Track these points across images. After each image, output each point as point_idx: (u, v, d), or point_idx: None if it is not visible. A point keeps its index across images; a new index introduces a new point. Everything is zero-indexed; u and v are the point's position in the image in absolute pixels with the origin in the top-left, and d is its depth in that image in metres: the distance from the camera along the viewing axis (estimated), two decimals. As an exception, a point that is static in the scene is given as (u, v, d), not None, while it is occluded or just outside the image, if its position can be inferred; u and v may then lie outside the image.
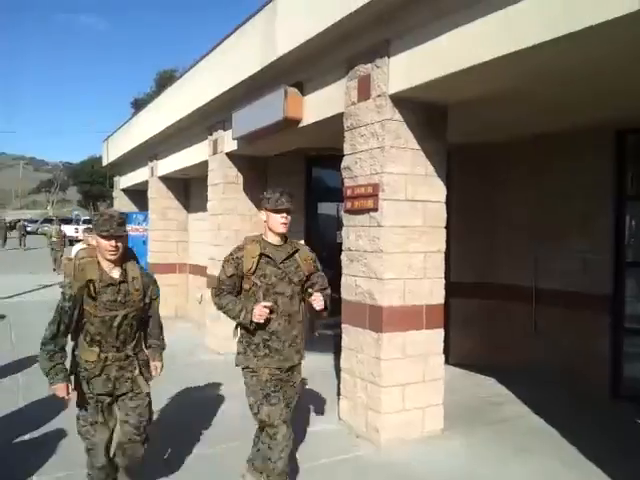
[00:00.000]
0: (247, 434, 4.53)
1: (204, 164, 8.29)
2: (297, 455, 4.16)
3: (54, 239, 18.40)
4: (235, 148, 7.26)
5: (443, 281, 4.77)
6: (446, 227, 4.81)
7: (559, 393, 5.73)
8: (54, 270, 16.86)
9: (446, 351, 5.16)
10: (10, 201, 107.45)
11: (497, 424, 4.93)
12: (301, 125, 5.67)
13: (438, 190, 4.70)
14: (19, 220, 37.36)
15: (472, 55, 3.56)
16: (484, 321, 7.00)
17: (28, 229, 35.01)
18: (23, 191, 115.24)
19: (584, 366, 5.80)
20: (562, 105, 5.10)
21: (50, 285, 14.27)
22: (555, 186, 6.33)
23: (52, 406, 5.02)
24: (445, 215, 4.77)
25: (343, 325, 4.89)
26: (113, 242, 2.99)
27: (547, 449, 4.34)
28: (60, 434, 4.44)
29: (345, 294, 4.87)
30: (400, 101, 4.39)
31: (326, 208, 7.82)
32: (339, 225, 4.99)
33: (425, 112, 4.53)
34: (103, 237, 3.01)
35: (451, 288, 6.45)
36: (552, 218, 6.37)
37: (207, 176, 8.14)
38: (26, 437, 4.41)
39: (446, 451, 4.32)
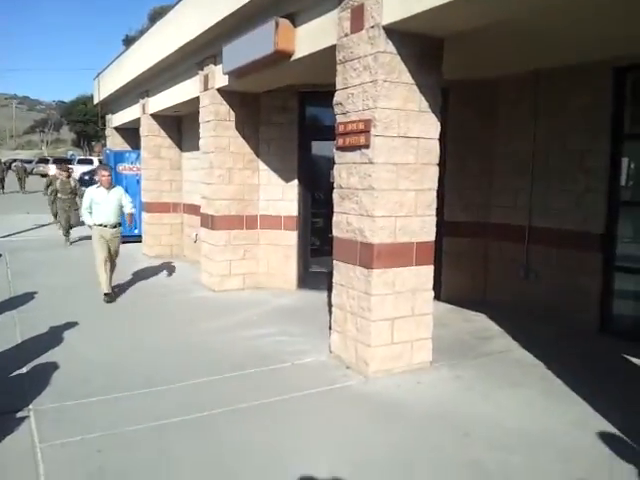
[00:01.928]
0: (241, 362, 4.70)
1: (195, 101, 8.12)
2: (288, 384, 4.32)
3: (62, 195, 11.61)
4: (226, 84, 7.08)
5: (434, 219, 4.77)
6: (439, 164, 4.77)
7: (548, 329, 5.88)
8: (65, 237, 11.59)
9: (437, 288, 5.27)
10: (5, 142, 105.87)
11: (485, 357, 5.08)
12: (293, 58, 5.51)
13: (432, 126, 4.62)
14: (14, 160, 35.96)
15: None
16: (476, 259, 7.08)
17: (26, 167, 32.19)
18: (17, 131, 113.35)
19: (574, 303, 5.92)
20: (562, 41, 4.95)
21: (47, 224, 14.29)
22: (552, 124, 6.24)
23: (47, 342, 5.21)
24: (438, 152, 4.71)
25: (334, 262, 4.94)
26: None
27: (532, 381, 4.49)
28: (54, 368, 4.57)
29: (336, 232, 4.89)
30: (394, 33, 4.25)
31: (321, 147, 7.71)
32: (333, 164, 4.94)
33: (420, 44, 4.40)
34: None
35: (444, 226, 6.51)
36: (548, 156, 6.32)
37: (199, 113, 7.99)
38: (23, 370, 4.54)
39: (433, 382, 4.47)
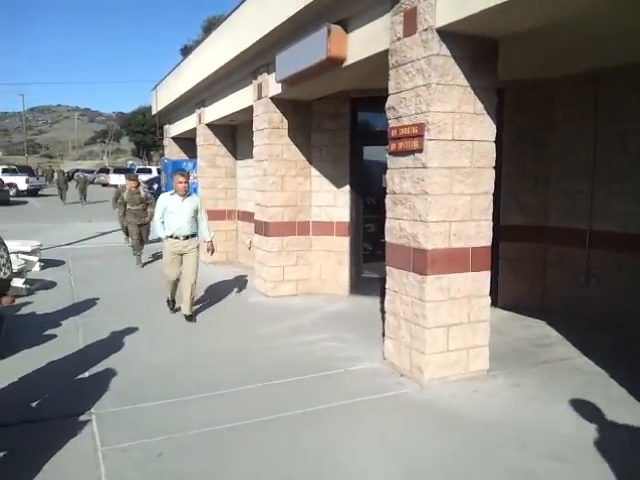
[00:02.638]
0: (295, 368, 4.74)
1: (249, 109, 8.27)
2: (342, 391, 4.31)
3: (132, 206, 10.34)
4: (279, 92, 7.18)
5: (490, 223, 4.66)
6: (495, 168, 4.66)
7: (610, 336, 5.62)
8: (136, 257, 10.36)
9: (494, 294, 5.13)
10: (67, 152, 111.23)
11: (544, 365, 4.91)
12: (345, 64, 5.53)
13: (487, 129, 4.52)
14: (76, 170, 36.93)
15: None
16: (534, 264, 6.86)
17: (87, 177, 31.31)
18: (79, 142, 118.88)
19: (638, 310, 5.63)
20: (620, 39, 4.73)
21: (109, 232, 14.83)
22: (612, 125, 5.99)
23: (109, 347, 5.38)
24: (494, 155, 4.60)
25: (387, 267, 4.90)
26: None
27: (595, 390, 4.29)
28: (115, 373, 4.71)
29: (389, 237, 4.85)
30: (447, 35, 4.19)
31: (372, 152, 7.69)
32: (385, 169, 4.91)
33: (474, 46, 4.32)
34: None
35: (501, 231, 6.34)
36: (608, 158, 6.07)
37: (253, 122, 8.13)
38: (85, 375, 4.69)
39: (490, 391, 4.35)
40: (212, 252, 6.62)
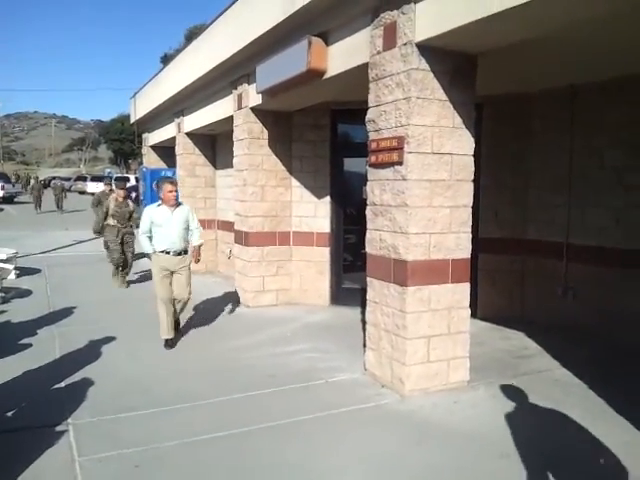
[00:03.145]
0: (275, 379, 4.71)
1: (230, 119, 8.26)
2: (322, 402, 4.30)
3: (116, 222, 8.83)
4: (260, 102, 7.18)
5: (470, 235, 4.71)
6: (474, 181, 4.72)
7: (589, 349, 5.70)
8: (119, 278, 9.14)
9: (474, 305, 5.18)
10: (44, 159, 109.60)
11: (523, 377, 4.95)
12: (326, 77, 5.56)
13: (466, 143, 4.59)
14: (53, 178, 36.17)
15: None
16: (513, 277, 6.95)
17: (64, 185, 30.06)
18: (56, 149, 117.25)
19: (615, 323, 5.73)
20: (599, 54, 4.85)
21: (86, 240, 14.62)
22: (589, 139, 6.13)
23: (86, 357, 5.30)
24: (472, 168, 4.67)
25: (368, 278, 4.91)
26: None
27: (574, 401, 4.34)
28: (92, 383, 4.65)
29: (370, 248, 4.88)
30: (427, 50, 4.25)
31: (353, 163, 7.74)
32: (366, 181, 4.94)
33: (453, 61, 4.39)
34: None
35: (480, 243, 6.42)
36: (585, 173, 6.19)
37: (233, 131, 8.11)
38: (62, 385, 4.62)
39: (470, 402, 4.37)
40: (197, 260, 6.00)
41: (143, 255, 6.74)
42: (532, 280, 6.85)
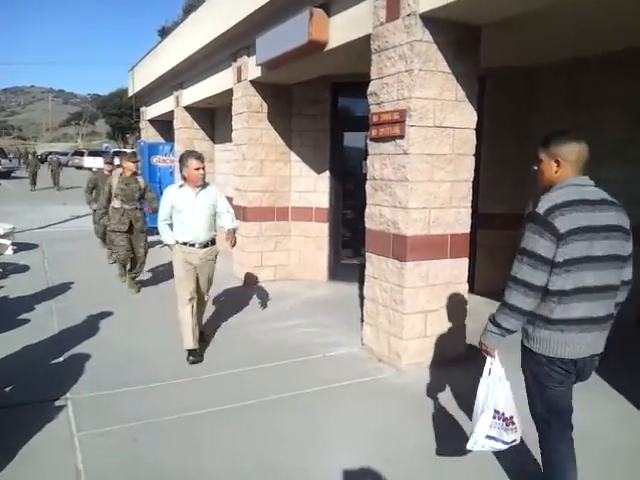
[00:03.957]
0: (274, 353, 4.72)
1: (229, 92, 8.16)
2: (321, 376, 4.32)
3: (124, 203, 6.90)
4: (259, 75, 7.08)
5: (469, 211, 4.69)
6: (475, 155, 4.68)
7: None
8: (127, 280, 7.27)
9: (471, 280, 5.18)
10: (41, 134, 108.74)
11: (518, 350, 4.96)
12: (327, 49, 5.47)
13: (468, 116, 4.54)
14: (50, 153, 35.54)
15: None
16: (511, 252, 6.91)
17: (61, 160, 29.17)
18: (53, 124, 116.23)
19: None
20: (602, 27, 4.76)
21: (83, 215, 14.55)
22: (593, 113, 6.06)
23: (84, 332, 5.30)
24: (474, 143, 4.63)
25: (367, 254, 4.90)
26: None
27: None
28: (90, 357, 4.66)
29: (369, 223, 4.86)
30: (431, 21, 4.17)
31: (353, 138, 7.67)
32: (366, 156, 4.90)
33: (457, 33, 4.31)
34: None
35: (479, 218, 6.39)
36: (589, 147, 6.13)
37: (232, 105, 8.02)
38: (60, 360, 4.62)
39: (466, 375, 4.39)
40: (233, 244, 5.04)
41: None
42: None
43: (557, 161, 2.42)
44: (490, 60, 5.07)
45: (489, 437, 2.42)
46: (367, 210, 4.89)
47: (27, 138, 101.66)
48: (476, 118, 4.59)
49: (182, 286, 4.68)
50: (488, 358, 2.53)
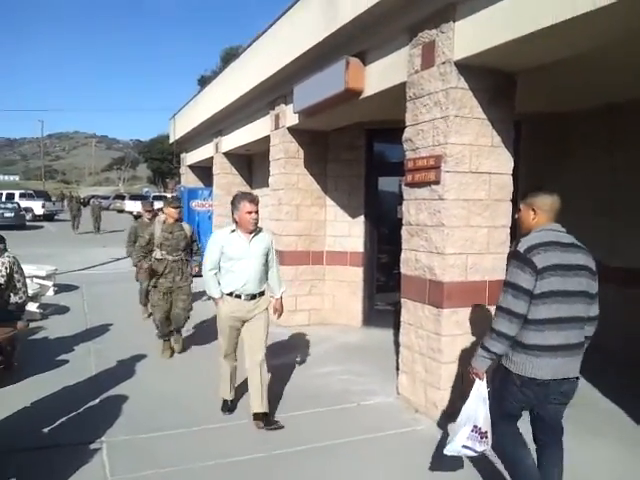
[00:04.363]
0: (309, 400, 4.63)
1: (266, 139, 8.36)
2: (359, 425, 4.22)
3: (168, 253, 5.98)
4: (296, 122, 7.25)
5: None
6: (513, 200, 4.62)
7: (631, 375, 5.44)
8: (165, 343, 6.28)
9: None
10: (84, 178, 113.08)
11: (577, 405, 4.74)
12: (362, 96, 5.57)
13: (504, 161, 4.50)
14: (92, 196, 36.34)
15: (544, 17, 3.33)
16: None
17: (102, 204, 29.40)
18: (96, 168, 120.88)
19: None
20: (638, 73, 4.72)
21: (122, 258, 14.84)
22: (629, 159, 5.95)
23: (121, 374, 5.32)
24: (511, 188, 4.57)
25: (402, 300, 4.83)
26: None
27: (615, 432, 4.15)
28: (126, 399, 4.66)
29: (405, 269, 4.80)
30: (466, 68, 4.21)
31: (387, 183, 7.71)
32: (400, 200, 4.89)
33: (492, 79, 4.33)
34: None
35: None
36: (627, 191, 6.00)
37: (269, 151, 8.20)
38: (97, 401, 4.64)
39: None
40: (280, 314, 4.52)
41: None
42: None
43: (533, 210, 2.85)
44: (525, 105, 5.07)
45: (465, 446, 2.81)
46: (403, 255, 4.84)
47: (70, 182, 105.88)
48: (512, 163, 4.55)
49: (225, 342, 4.35)
50: (477, 381, 2.81)
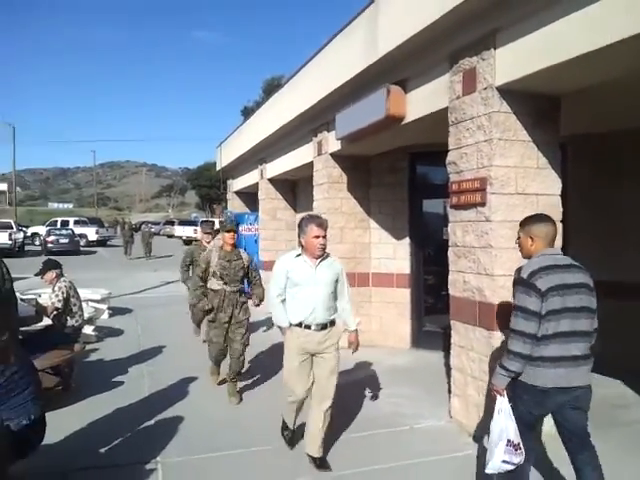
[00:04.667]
0: (359, 424, 4.64)
1: (309, 165, 8.54)
2: (412, 449, 4.22)
3: (226, 283, 5.43)
4: (339, 148, 7.40)
5: (558, 277, 4.54)
6: (562, 221, 4.58)
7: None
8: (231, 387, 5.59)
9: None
10: (135, 205, 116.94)
11: (621, 427, 4.62)
12: (404, 122, 5.67)
13: (552, 183, 4.49)
14: (143, 222, 37.20)
15: (585, 42, 3.36)
16: (604, 320, 6.52)
17: (152, 230, 29.02)
18: (146, 195, 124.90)
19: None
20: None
21: (173, 282, 15.25)
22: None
23: (173, 396, 5.48)
24: (561, 209, 4.54)
25: (452, 322, 4.84)
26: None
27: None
28: (180, 421, 4.79)
29: (453, 290, 4.81)
30: (508, 93, 4.25)
31: (431, 205, 7.73)
32: (445, 222, 4.92)
33: (534, 103, 4.35)
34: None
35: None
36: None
37: (312, 176, 8.37)
38: (151, 422, 4.79)
39: (560, 454, 4.12)
40: (356, 348, 4.21)
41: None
42: (627, 327, 6.41)
43: (531, 237, 3.08)
44: (571, 126, 5.04)
45: (504, 461, 2.95)
46: (450, 277, 4.86)
47: (122, 209, 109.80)
48: (560, 184, 4.53)
49: (293, 379, 3.91)
50: (498, 397, 3.01)
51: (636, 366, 6.14)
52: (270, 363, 6.43)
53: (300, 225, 3.95)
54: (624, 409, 5.10)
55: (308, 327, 3.85)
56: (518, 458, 2.95)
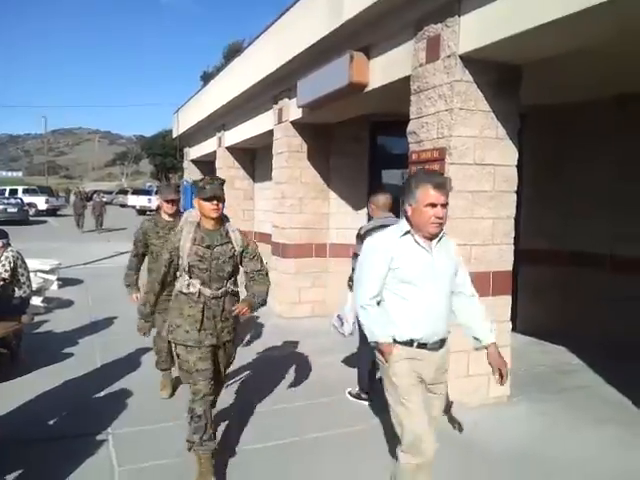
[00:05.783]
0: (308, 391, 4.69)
1: (269, 133, 8.40)
2: (355, 416, 4.25)
3: (193, 285, 3.17)
4: (300, 116, 7.29)
5: (512, 247, 4.65)
6: (517, 192, 4.66)
7: (635, 365, 5.50)
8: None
9: (514, 318, 5.08)
10: (87, 174, 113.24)
11: (566, 392, 4.83)
12: (367, 90, 5.61)
13: (509, 154, 4.55)
14: (95, 191, 35.67)
15: (547, 11, 3.37)
16: (555, 289, 6.79)
17: (105, 199, 27.15)
18: (99, 164, 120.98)
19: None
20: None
21: (126, 252, 14.86)
22: (634, 150, 5.98)
23: (126, 367, 5.37)
24: (516, 180, 4.62)
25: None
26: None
27: (621, 418, 4.22)
28: (132, 392, 4.71)
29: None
30: (470, 61, 4.24)
31: (390, 175, 7.74)
32: (403, 192, 4.91)
33: (497, 72, 4.37)
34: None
35: (521, 255, 6.29)
36: (631, 183, 6.04)
37: (272, 145, 8.24)
38: (102, 394, 4.69)
39: (512, 417, 4.28)
40: (505, 377, 2.87)
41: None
42: (574, 293, 6.68)
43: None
44: (530, 97, 5.10)
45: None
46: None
47: (73, 177, 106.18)
48: (517, 155, 4.59)
49: (413, 422, 2.55)
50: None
51: (577, 333, 6.40)
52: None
53: (408, 185, 2.64)
54: (568, 374, 5.31)
55: (423, 346, 2.59)
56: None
